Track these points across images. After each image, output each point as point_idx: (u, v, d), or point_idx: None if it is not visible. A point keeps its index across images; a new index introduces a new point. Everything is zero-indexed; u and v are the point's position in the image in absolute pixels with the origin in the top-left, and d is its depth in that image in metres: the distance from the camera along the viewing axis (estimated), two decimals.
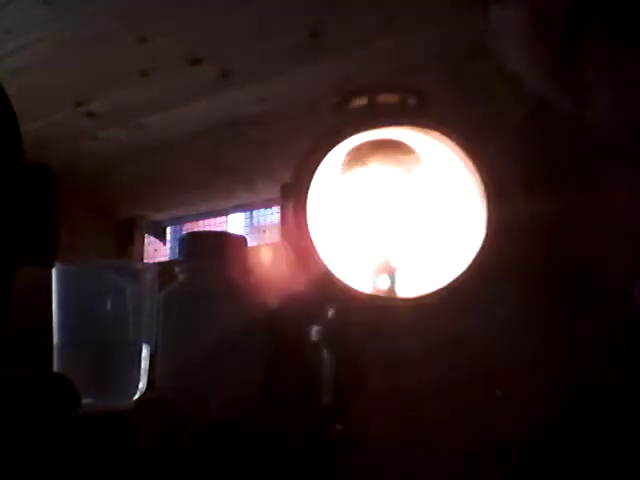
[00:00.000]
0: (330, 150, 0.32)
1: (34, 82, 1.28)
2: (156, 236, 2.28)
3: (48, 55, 1.20)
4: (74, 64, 1.23)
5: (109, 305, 0.67)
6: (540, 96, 0.63)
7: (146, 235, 2.26)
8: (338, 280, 0.32)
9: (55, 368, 0.65)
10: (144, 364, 0.70)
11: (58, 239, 0.29)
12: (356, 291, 0.32)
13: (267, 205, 2.30)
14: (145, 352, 0.70)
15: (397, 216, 0.39)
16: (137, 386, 0.68)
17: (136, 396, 0.68)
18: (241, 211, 2.68)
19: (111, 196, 1.95)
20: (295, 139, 1.56)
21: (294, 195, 0.30)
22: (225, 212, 2.43)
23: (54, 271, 0.68)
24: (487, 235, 0.33)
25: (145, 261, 2.06)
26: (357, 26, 1.11)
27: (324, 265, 0.31)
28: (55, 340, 0.67)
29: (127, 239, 2.16)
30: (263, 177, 1.81)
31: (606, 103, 0.53)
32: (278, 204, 2.22)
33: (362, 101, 0.35)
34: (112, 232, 2.13)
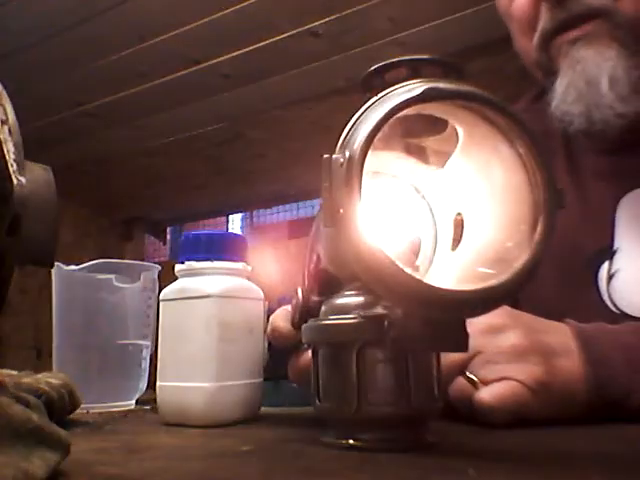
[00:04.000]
0: (384, 125, 0.28)
1: (35, 82, 1.29)
2: (156, 236, 2.29)
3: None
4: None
5: (109, 305, 0.67)
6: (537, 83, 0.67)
7: (146, 235, 2.27)
8: (401, 270, 0.27)
9: (55, 368, 0.65)
10: (144, 364, 0.70)
11: (57, 239, 0.29)
12: (419, 281, 0.28)
13: (267, 205, 2.31)
14: (145, 352, 0.70)
15: (432, 200, 0.37)
16: (137, 386, 0.68)
17: (136, 396, 0.68)
18: (241, 211, 2.69)
19: (111, 196, 1.95)
20: (294, 139, 1.56)
21: (349, 179, 0.27)
22: (225, 212, 2.44)
23: (54, 271, 0.68)
24: (547, 217, 0.30)
25: (145, 261, 2.07)
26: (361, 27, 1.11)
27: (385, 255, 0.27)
28: (55, 340, 0.67)
29: (127, 239, 2.17)
30: (263, 177, 1.81)
31: (565, 95, 0.58)
32: (277, 204, 2.22)
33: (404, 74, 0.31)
34: (112, 232, 2.14)
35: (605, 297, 0.59)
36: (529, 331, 0.42)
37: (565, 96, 0.58)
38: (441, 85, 0.29)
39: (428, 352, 0.34)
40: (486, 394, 0.39)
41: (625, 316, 0.57)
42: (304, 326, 0.38)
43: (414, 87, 0.29)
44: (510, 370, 0.40)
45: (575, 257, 0.61)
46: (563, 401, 0.41)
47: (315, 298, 0.42)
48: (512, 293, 0.30)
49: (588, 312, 0.53)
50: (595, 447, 0.34)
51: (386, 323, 0.31)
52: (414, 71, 0.31)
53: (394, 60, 0.31)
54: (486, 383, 0.40)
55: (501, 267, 0.30)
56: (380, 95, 0.29)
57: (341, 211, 0.28)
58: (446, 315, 0.30)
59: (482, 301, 0.30)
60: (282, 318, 0.45)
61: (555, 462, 0.30)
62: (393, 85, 0.30)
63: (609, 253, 0.60)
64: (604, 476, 0.26)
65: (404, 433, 0.34)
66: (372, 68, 0.32)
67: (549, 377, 0.40)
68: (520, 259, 0.30)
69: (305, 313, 0.41)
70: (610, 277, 0.60)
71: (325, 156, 0.29)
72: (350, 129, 0.29)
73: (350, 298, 0.36)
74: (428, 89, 0.29)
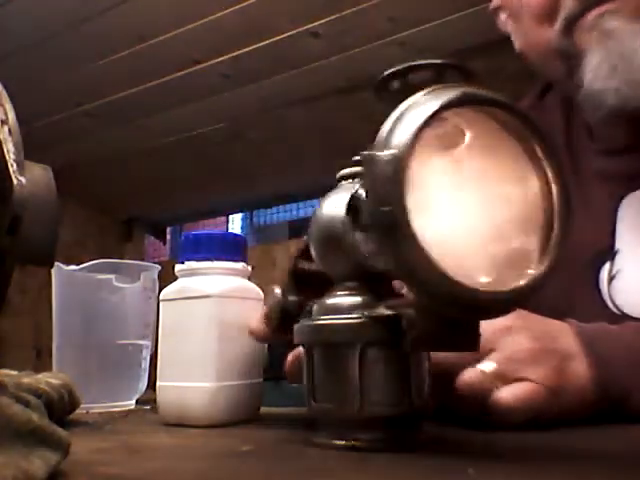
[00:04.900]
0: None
1: (35, 82, 1.29)
2: (156, 236, 2.29)
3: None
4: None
5: (109, 305, 0.67)
6: (539, 74, 0.65)
7: (146, 235, 2.26)
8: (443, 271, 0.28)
9: (55, 368, 0.65)
10: (144, 364, 0.70)
11: (57, 239, 0.29)
12: (458, 282, 0.28)
13: (267, 205, 2.31)
14: (145, 352, 0.70)
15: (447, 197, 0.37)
16: (137, 386, 0.69)
17: (136, 396, 0.68)
18: (241, 211, 2.69)
19: (111, 196, 1.95)
20: (294, 139, 1.56)
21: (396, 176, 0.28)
22: (225, 212, 2.44)
23: (54, 271, 0.68)
24: (563, 213, 0.31)
25: (145, 261, 2.06)
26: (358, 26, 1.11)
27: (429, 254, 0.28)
28: (55, 340, 0.67)
29: (127, 239, 2.17)
30: (263, 177, 1.81)
31: (598, 72, 0.55)
32: (277, 204, 2.21)
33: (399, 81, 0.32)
34: (112, 232, 2.14)
35: (606, 298, 0.59)
36: (539, 332, 0.42)
37: (598, 72, 0.55)
38: (481, 91, 0.30)
39: (444, 352, 0.35)
40: (507, 394, 0.39)
41: (626, 317, 0.57)
42: (297, 326, 0.37)
43: (452, 89, 0.29)
44: (527, 371, 0.40)
45: (577, 258, 0.61)
46: (574, 403, 0.41)
47: (293, 298, 0.42)
48: (532, 295, 0.31)
49: (589, 312, 0.53)
50: (595, 447, 0.34)
51: (404, 323, 0.31)
52: (438, 74, 0.31)
53: (421, 62, 0.32)
54: (502, 380, 0.40)
55: (518, 270, 0.31)
56: (419, 94, 0.30)
57: (386, 209, 0.27)
58: (473, 315, 0.30)
59: (510, 302, 0.30)
60: (256, 319, 0.45)
61: (555, 462, 0.30)
62: (415, 87, 0.31)
63: (610, 254, 0.60)
64: (604, 476, 0.26)
65: (404, 433, 0.35)
66: (393, 69, 0.32)
67: (562, 379, 0.40)
68: (539, 263, 0.30)
69: (285, 313, 0.41)
70: (611, 278, 0.60)
71: (366, 153, 0.29)
72: (391, 127, 0.29)
73: (344, 298, 0.36)
74: (472, 92, 0.29)
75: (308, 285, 0.43)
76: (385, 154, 0.28)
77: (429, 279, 0.28)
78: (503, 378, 0.40)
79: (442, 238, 0.29)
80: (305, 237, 0.42)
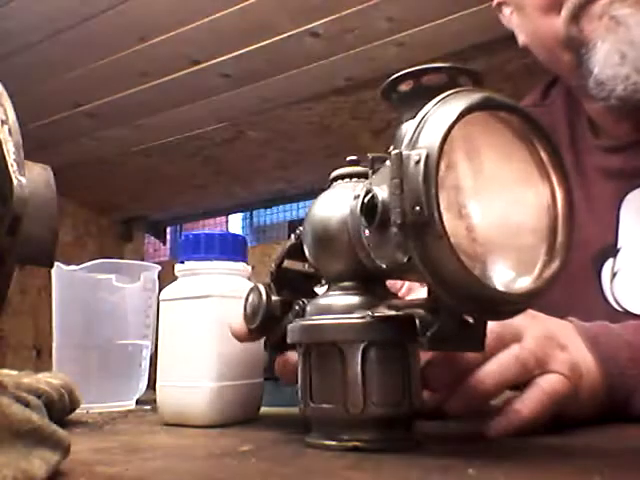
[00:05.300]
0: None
1: (35, 82, 1.29)
2: (156, 236, 2.29)
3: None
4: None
5: (109, 305, 0.67)
6: (546, 68, 0.65)
7: (146, 235, 2.26)
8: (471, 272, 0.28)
9: (55, 368, 0.65)
10: (144, 364, 0.70)
11: (57, 239, 0.29)
12: (483, 283, 0.29)
13: (267, 205, 2.31)
14: (145, 352, 0.70)
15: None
16: (137, 386, 0.69)
17: (136, 396, 0.68)
18: (241, 211, 2.69)
19: (111, 196, 1.95)
20: (294, 139, 1.56)
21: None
22: (225, 212, 2.44)
23: (54, 271, 0.68)
24: (568, 214, 0.31)
25: (145, 261, 2.06)
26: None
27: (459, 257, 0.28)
28: (55, 340, 0.67)
29: (127, 239, 2.17)
30: (263, 177, 1.81)
31: (608, 59, 0.55)
32: (277, 204, 2.22)
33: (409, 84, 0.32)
34: (112, 232, 2.14)
35: (608, 294, 0.59)
36: (550, 330, 0.41)
37: (607, 60, 0.54)
38: (499, 96, 0.30)
39: (457, 352, 0.35)
40: (544, 383, 0.38)
41: (627, 314, 0.57)
42: (291, 326, 0.37)
43: (473, 93, 0.30)
44: (552, 363, 0.39)
45: (579, 255, 0.61)
46: (587, 403, 0.41)
47: (276, 298, 0.41)
48: (543, 296, 0.31)
49: (590, 309, 0.53)
50: (596, 447, 0.34)
51: (418, 323, 0.31)
52: (451, 78, 0.32)
53: (436, 66, 0.32)
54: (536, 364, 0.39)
55: (530, 271, 0.31)
56: (443, 96, 0.30)
57: (417, 208, 0.28)
58: (491, 315, 0.31)
59: (525, 303, 0.31)
60: (238, 318, 0.44)
61: (555, 462, 0.30)
62: (425, 89, 0.31)
63: (613, 251, 0.60)
64: (604, 476, 0.26)
65: (404, 433, 0.35)
66: (407, 71, 0.32)
67: (577, 376, 0.40)
68: (549, 264, 0.31)
69: (268, 313, 0.41)
70: (614, 275, 0.60)
71: (395, 152, 0.28)
72: (418, 127, 0.29)
73: (342, 298, 0.36)
74: (493, 97, 0.30)
75: (292, 285, 0.43)
76: (415, 153, 0.28)
77: (457, 278, 0.28)
78: (536, 362, 0.39)
79: (466, 239, 0.30)
80: (293, 236, 0.41)
